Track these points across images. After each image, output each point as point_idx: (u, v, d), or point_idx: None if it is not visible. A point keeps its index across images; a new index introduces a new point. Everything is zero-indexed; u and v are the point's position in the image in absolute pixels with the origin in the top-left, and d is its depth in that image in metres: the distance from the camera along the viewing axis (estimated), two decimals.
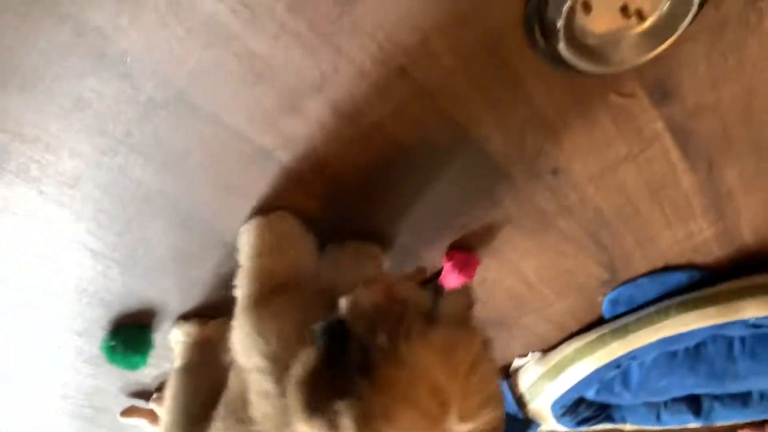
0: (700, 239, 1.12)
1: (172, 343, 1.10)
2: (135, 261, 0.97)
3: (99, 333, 1.11)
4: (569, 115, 0.85)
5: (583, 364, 1.27)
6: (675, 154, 0.93)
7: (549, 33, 0.73)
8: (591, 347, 1.27)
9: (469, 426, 0.55)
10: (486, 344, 0.62)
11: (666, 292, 1.23)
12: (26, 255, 0.92)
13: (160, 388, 1.31)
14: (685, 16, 0.73)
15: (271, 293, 0.83)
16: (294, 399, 0.60)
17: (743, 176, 0.99)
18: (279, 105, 0.77)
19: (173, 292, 1.05)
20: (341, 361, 0.60)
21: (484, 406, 0.57)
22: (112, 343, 1.07)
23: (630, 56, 0.77)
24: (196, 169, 0.84)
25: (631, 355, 1.25)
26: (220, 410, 0.82)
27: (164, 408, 1.00)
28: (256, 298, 0.83)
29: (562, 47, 0.73)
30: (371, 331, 0.60)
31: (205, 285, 1.05)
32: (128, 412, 1.32)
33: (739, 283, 1.17)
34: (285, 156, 0.84)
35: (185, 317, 1.10)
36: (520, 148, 0.89)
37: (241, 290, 0.86)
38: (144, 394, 1.34)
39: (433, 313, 0.63)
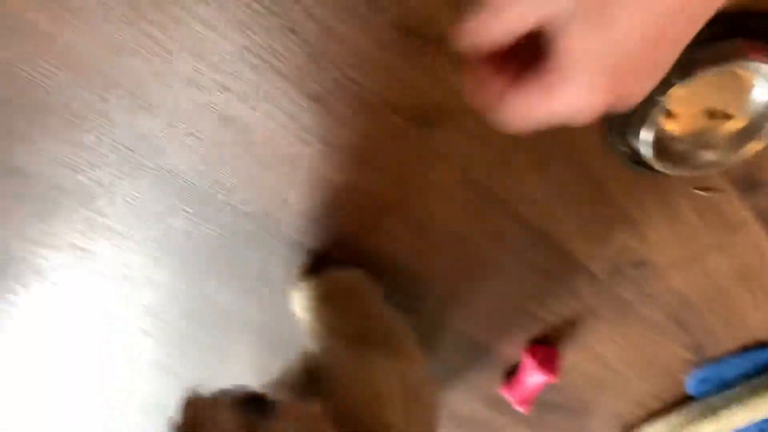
0: None
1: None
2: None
3: None
4: (652, 212, 0.83)
5: None
6: (764, 241, 0.89)
7: (632, 142, 0.71)
8: (681, 429, 1.21)
9: None
10: None
11: (756, 370, 1.16)
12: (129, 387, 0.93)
13: None
14: None
15: None
16: None
17: None
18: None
19: None
20: None
21: None
22: None
23: (718, 158, 0.74)
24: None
25: None
26: None
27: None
28: None
29: (648, 157, 0.71)
30: None
31: None
32: None
33: None
34: None
35: None
36: (602, 245, 0.86)
37: None
38: None
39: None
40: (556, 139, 0.71)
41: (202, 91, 0.59)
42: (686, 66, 0.63)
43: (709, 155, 0.74)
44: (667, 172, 0.74)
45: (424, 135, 0.67)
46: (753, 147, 0.73)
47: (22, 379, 0.93)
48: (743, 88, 0.70)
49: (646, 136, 0.69)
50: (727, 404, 1.17)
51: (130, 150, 0.63)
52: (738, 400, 1.16)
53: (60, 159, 0.63)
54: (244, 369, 0.97)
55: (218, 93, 0.59)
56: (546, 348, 1.00)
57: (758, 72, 0.67)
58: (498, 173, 0.72)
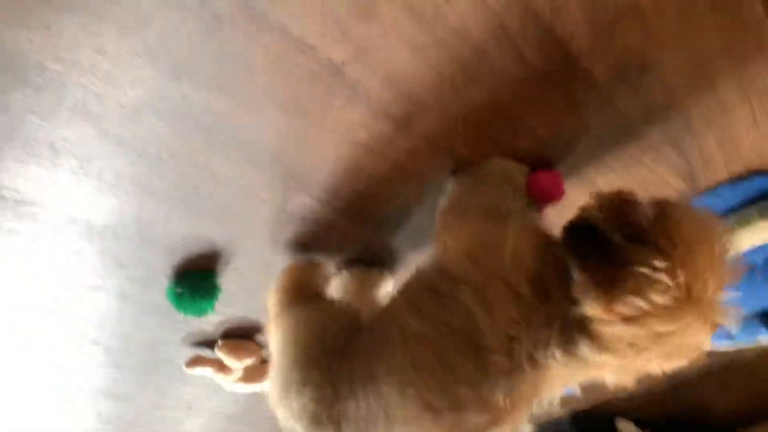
0: None
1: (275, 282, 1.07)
2: (199, 201, 0.93)
3: (163, 281, 1.07)
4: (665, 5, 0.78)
5: None
6: None
7: None
8: None
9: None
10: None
11: (748, 199, 1.16)
12: (86, 199, 0.88)
13: (225, 336, 1.28)
14: None
15: None
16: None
17: None
18: (350, 10, 0.70)
19: (239, 233, 1.01)
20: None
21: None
22: (179, 290, 1.04)
23: None
24: (261, 90, 0.78)
25: None
26: (396, 363, 0.77)
27: (278, 347, 0.95)
28: None
29: None
30: (629, 216, 0.68)
31: (270, 223, 1.00)
32: (193, 362, 1.30)
33: None
34: (354, 71, 0.78)
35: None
36: (607, 43, 0.82)
37: None
38: (207, 344, 1.31)
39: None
40: None
41: None
42: None
43: None
44: None
45: None
46: None
47: None
48: None
49: None
50: None
51: None
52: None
53: None
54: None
55: None
56: (548, 172, 0.97)
57: None
58: None
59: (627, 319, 0.63)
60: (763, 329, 1.39)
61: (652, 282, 0.62)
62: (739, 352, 1.51)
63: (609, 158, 1.02)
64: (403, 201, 1.03)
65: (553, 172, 0.98)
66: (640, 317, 0.63)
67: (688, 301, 0.63)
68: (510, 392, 0.70)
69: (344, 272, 1.11)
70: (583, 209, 0.72)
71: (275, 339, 0.95)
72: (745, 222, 1.14)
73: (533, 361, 0.69)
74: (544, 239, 0.77)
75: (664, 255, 0.64)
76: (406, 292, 0.84)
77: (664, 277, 0.63)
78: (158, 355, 1.32)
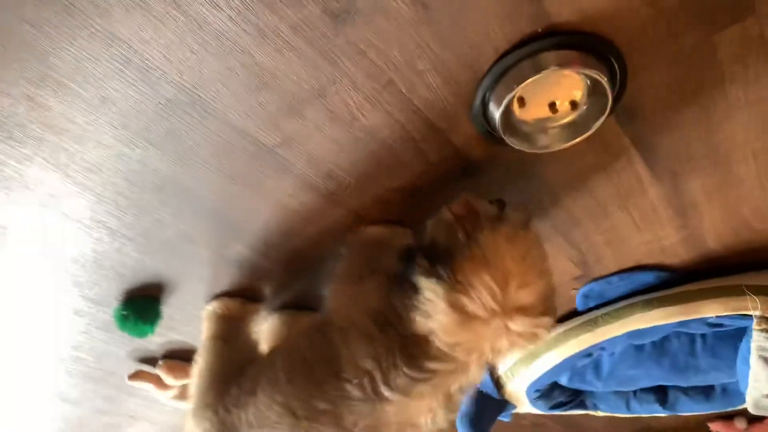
0: (667, 243, 1.21)
1: (207, 314, 1.22)
2: (148, 240, 1.08)
3: (112, 302, 1.22)
4: None
5: (556, 352, 1.37)
6: (641, 167, 1.02)
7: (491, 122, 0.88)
8: (564, 337, 1.37)
9: (526, 292, 0.80)
10: (539, 238, 0.88)
11: (635, 290, 1.32)
12: (52, 229, 1.03)
13: (165, 356, 1.42)
14: (598, 118, 0.88)
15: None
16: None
17: (705, 188, 1.08)
18: (280, 108, 0.87)
19: (182, 270, 1.16)
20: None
21: (538, 277, 0.82)
22: (124, 312, 1.19)
23: (551, 143, 0.93)
24: (206, 161, 0.94)
25: (601, 346, 1.35)
26: (285, 374, 0.95)
27: (198, 371, 1.12)
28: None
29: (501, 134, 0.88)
30: (451, 233, 0.87)
31: (211, 265, 1.16)
32: (136, 376, 1.43)
33: (701, 285, 1.26)
34: (284, 153, 0.94)
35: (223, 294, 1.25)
36: (499, 156, 0.98)
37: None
38: (150, 360, 1.45)
39: (500, 217, 0.89)
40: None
41: None
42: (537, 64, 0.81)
43: (544, 140, 0.93)
44: (513, 146, 0.91)
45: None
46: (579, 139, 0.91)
47: None
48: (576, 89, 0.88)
49: (495, 113, 0.86)
50: (605, 319, 1.33)
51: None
52: (615, 315, 1.32)
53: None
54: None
55: None
56: None
57: (584, 80, 0.86)
58: (404, 70, 0.83)
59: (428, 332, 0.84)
60: (657, 406, 1.54)
61: (433, 306, 0.82)
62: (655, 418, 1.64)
63: None
64: (331, 256, 1.18)
65: None
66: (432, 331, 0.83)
67: (473, 319, 0.80)
68: (368, 416, 0.86)
69: (274, 315, 1.27)
70: (436, 220, 0.93)
71: (196, 364, 1.11)
72: (630, 310, 1.30)
73: (379, 394, 0.85)
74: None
75: (443, 283, 0.81)
76: (300, 330, 1.02)
77: (440, 301, 0.81)
78: (105, 366, 1.46)
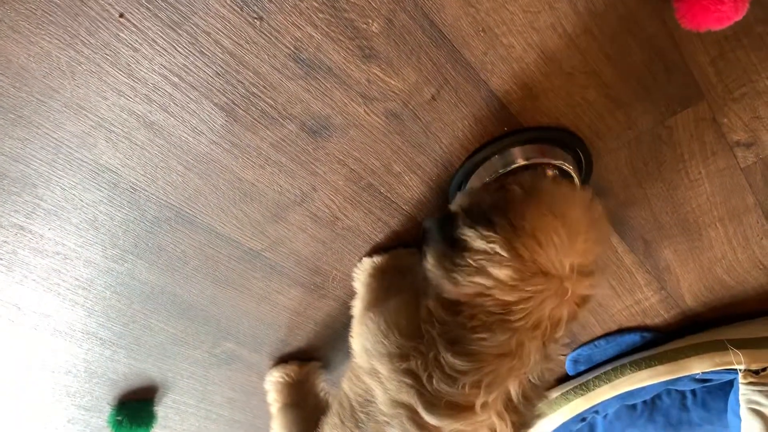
0: (647, 305, 1.25)
1: (270, 385, 1.21)
2: (139, 346, 1.09)
3: (106, 408, 1.22)
4: None
5: (549, 419, 1.38)
6: (614, 239, 1.06)
7: None
8: (556, 403, 1.38)
9: (589, 249, 0.69)
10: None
11: (622, 351, 1.35)
12: (43, 346, 1.04)
13: None
14: None
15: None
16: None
17: (677, 253, 1.12)
18: (264, 215, 0.90)
19: (174, 371, 1.17)
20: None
21: (599, 234, 0.71)
22: (119, 417, 1.18)
23: None
24: (194, 269, 0.96)
25: (594, 409, 1.37)
26: (334, 423, 0.91)
27: None
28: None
29: None
30: (500, 190, 0.75)
31: (202, 363, 1.16)
32: None
33: (684, 342, 1.29)
34: (271, 255, 0.96)
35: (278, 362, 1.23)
36: None
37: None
38: None
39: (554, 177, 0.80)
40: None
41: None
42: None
43: None
44: None
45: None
46: None
47: None
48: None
49: None
50: (595, 383, 1.35)
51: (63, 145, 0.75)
52: (605, 378, 1.34)
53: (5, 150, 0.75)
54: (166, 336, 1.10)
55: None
56: None
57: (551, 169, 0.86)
58: (381, 173, 0.86)
59: (477, 295, 0.69)
60: None
61: (489, 258, 0.67)
62: None
63: None
64: (322, 341, 1.20)
65: None
66: (485, 292, 0.68)
67: (536, 273, 0.67)
68: None
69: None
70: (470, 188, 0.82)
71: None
72: (619, 372, 1.32)
73: (423, 425, 0.72)
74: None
75: (500, 230, 0.67)
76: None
77: (498, 250, 0.67)
78: None
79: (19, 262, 0.89)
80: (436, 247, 0.74)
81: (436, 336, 0.72)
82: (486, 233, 0.68)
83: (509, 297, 0.68)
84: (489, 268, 0.67)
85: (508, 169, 0.83)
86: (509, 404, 0.72)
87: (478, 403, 0.70)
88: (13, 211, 0.82)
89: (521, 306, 0.68)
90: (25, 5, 0.63)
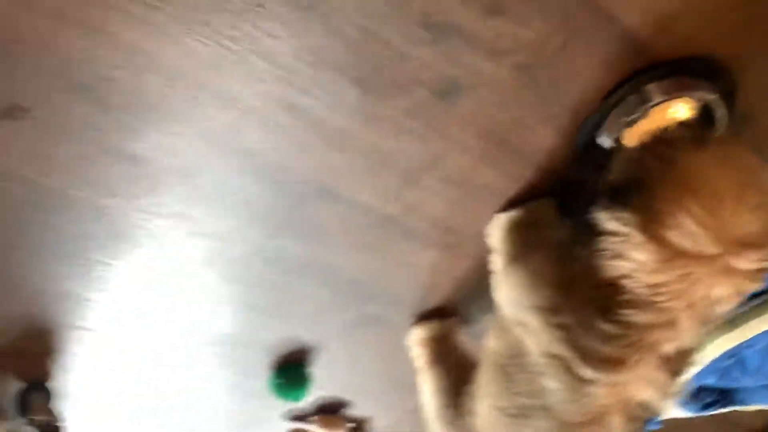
0: None
1: (413, 342, 1.24)
2: (291, 313, 1.17)
3: (263, 374, 1.32)
4: None
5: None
6: None
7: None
8: (703, 342, 1.34)
9: (748, 219, 0.64)
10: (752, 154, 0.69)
11: None
12: (205, 317, 1.14)
13: (318, 411, 1.51)
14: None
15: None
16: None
17: None
18: (398, 182, 0.93)
19: (324, 334, 1.24)
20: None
21: (759, 199, 0.65)
22: (279, 381, 1.28)
23: None
24: (337, 239, 1.02)
25: (744, 345, 1.32)
26: (487, 377, 0.93)
27: (426, 398, 1.18)
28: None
29: None
30: (640, 164, 0.72)
31: (350, 326, 1.23)
32: None
33: None
34: (406, 220, 1.00)
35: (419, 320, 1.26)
36: None
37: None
38: (302, 417, 1.54)
39: (701, 137, 0.73)
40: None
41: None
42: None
43: None
44: None
45: None
46: None
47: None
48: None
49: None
50: (744, 317, 1.29)
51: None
52: (755, 313, 1.28)
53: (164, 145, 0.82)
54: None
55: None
56: None
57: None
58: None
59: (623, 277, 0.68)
60: None
61: (626, 241, 0.66)
62: None
63: None
64: (460, 298, 1.23)
65: None
66: (629, 274, 0.67)
67: (679, 254, 0.64)
68: (578, 403, 0.73)
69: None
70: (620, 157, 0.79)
71: (422, 392, 1.19)
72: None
73: (578, 377, 0.72)
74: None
75: (636, 211, 0.66)
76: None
77: (633, 233, 0.66)
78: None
79: (181, 242, 0.97)
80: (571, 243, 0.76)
81: (588, 299, 0.73)
82: (620, 217, 0.67)
83: (654, 279, 0.66)
84: (628, 252, 0.67)
85: (649, 105, 0.81)
86: (665, 359, 0.71)
87: (633, 359, 0.69)
88: (174, 201, 0.90)
89: (670, 288, 0.66)
90: (174, 7, 0.68)
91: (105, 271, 1.01)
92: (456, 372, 1.15)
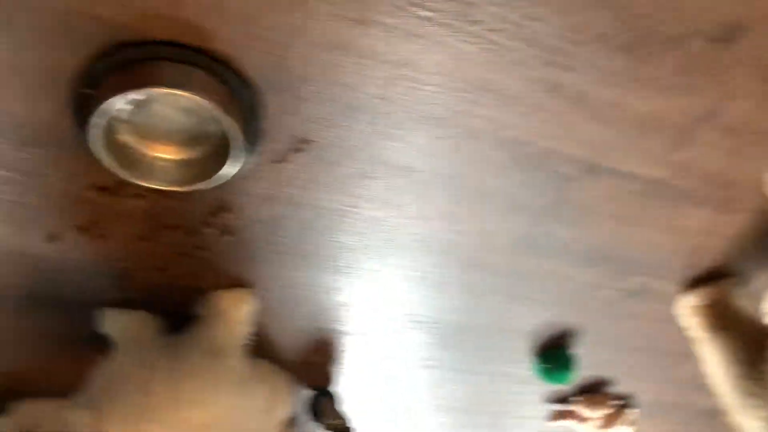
0: None
1: (688, 312, 1.18)
2: (553, 297, 1.15)
3: (524, 359, 1.31)
4: None
5: None
6: None
7: None
8: None
9: None
10: None
11: None
12: (469, 307, 1.16)
13: (579, 391, 1.48)
14: None
15: None
16: None
17: None
18: (665, 144, 0.87)
19: (582, 315, 1.21)
20: None
21: None
22: (546, 365, 1.26)
23: None
24: (597, 214, 0.98)
25: None
26: None
27: (714, 372, 1.12)
28: None
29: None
30: None
31: (612, 301, 1.19)
32: (555, 416, 1.51)
33: None
34: (675, 182, 0.93)
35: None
36: None
37: None
38: (560, 399, 1.52)
39: None
40: None
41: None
42: None
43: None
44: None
45: None
46: None
47: None
48: None
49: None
50: None
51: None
52: None
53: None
54: None
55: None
56: None
57: None
58: None
59: None
60: None
61: None
62: None
63: None
64: (733, 257, 1.13)
65: None
66: None
67: None
68: None
69: None
70: None
71: (707, 366, 1.13)
72: None
73: None
74: None
75: None
76: None
77: None
78: (523, 413, 1.56)
79: (448, 243, 0.99)
80: None
81: None
82: None
83: None
84: None
85: None
86: None
87: None
88: (442, 203, 0.92)
89: None
90: (442, 14, 0.69)
91: (373, 279, 1.06)
92: (746, 339, 1.06)
